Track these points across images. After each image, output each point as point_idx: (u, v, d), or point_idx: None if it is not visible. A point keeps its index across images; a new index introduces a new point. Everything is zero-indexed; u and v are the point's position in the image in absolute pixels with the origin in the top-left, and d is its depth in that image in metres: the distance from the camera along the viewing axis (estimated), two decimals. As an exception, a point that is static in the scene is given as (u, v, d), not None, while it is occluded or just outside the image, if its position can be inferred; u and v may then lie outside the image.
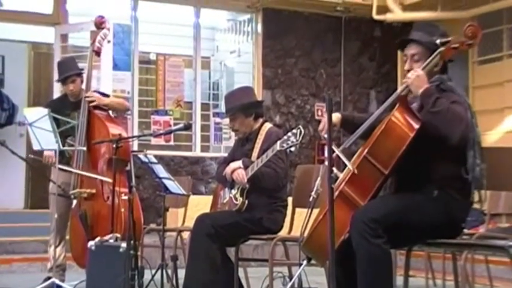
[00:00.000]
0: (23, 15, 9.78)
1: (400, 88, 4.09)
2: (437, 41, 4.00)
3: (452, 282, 4.84)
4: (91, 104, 6.09)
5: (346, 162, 3.85)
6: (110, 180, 5.64)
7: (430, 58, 3.98)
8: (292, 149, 4.73)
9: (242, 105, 5.36)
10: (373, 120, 4.10)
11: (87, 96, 6.10)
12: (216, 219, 5.17)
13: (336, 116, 4.27)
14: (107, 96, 6.47)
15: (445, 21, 9.44)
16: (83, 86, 6.24)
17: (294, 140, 4.68)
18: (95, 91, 6.42)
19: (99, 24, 6.36)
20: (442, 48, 3.98)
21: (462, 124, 3.76)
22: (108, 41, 6.82)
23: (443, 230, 3.92)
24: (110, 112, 6.30)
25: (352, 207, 3.84)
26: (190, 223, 5.59)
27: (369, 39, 11.45)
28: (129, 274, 4.94)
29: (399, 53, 9.44)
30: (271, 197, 5.25)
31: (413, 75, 3.91)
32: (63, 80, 6.26)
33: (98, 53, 6.36)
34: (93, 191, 5.96)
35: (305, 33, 11.06)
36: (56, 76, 6.72)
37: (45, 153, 6.11)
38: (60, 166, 5.88)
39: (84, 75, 6.28)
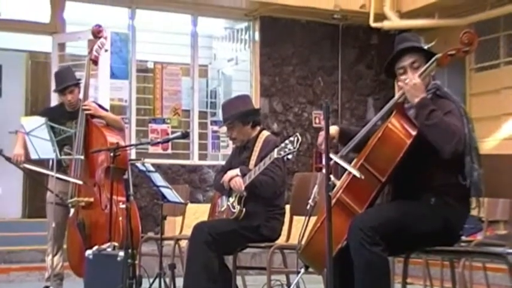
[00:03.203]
0: (20, 24, 9.78)
1: (397, 95, 4.10)
2: (425, 47, 4.02)
3: (451, 290, 4.84)
4: (86, 113, 6.08)
5: (349, 168, 3.84)
6: (81, 182, 5.87)
7: (427, 65, 3.98)
8: (290, 156, 4.73)
9: (240, 114, 5.36)
10: (370, 127, 4.10)
11: (85, 105, 6.09)
12: (214, 228, 5.17)
13: (334, 129, 4.27)
14: (106, 110, 6.44)
15: (442, 29, 9.49)
16: (81, 96, 6.23)
17: (291, 148, 4.68)
18: (93, 102, 6.41)
19: (97, 33, 6.35)
20: (438, 55, 3.99)
21: (455, 138, 3.76)
22: (106, 50, 6.81)
23: (441, 237, 3.92)
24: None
25: (349, 215, 3.84)
26: (188, 231, 5.58)
27: (366, 46, 11.46)
28: (126, 283, 4.93)
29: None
30: (268, 205, 5.25)
31: (411, 83, 3.90)
32: (61, 91, 6.25)
33: (95, 62, 6.35)
34: (91, 199, 5.95)
35: (302, 41, 11.07)
36: (53, 85, 6.71)
37: (14, 151, 6.08)
38: (25, 165, 5.90)
39: (82, 84, 6.28)
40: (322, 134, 3.97)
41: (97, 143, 5.98)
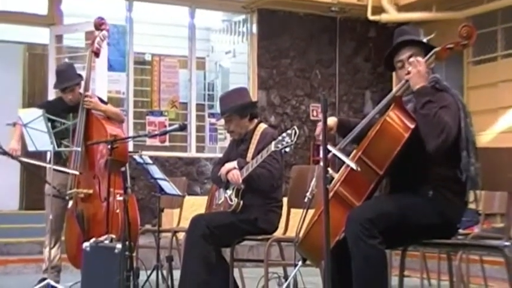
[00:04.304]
0: (17, 15, 9.76)
1: (395, 88, 4.11)
2: (425, 40, 4.03)
3: (447, 282, 4.86)
4: (86, 107, 6.06)
5: (347, 160, 3.84)
6: (77, 172, 5.86)
7: (426, 58, 3.99)
8: (287, 149, 4.73)
9: (237, 107, 5.36)
10: (369, 120, 4.11)
11: (86, 96, 6.07)
12: (211, 220, 5.18)
13: (333, 120, 4.28)
14: (105, 103, 6.42)
15: (439, 22, 9.48)
16: (81, 90, 6.20)
17: (289, 141, 4.68)
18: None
19: (99, 25, 6.32)
20: (437, 49, 3.99)
21: (442, 135, 3.77)
22: (108, 44, 6.78)
23: (438, 230, 3.93)
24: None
25: (347, 208, 3.85)
26: (185, 224, 5.59)
27: (364, 39, 11.46)
28: (124, 275, 4.94)
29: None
30: (266, 198, 5.26)
31: (415, 69, 3.91)
32: (62, 89, 6.23)
33: (97, 54, 6.31)
34: (90, 191, 5.95)
35: (300, 34, 11.06)
36: (50, 77, 6.71)
37: (10, 145, 6.06)
38: (21, 158, 5.90)
39: (83, 75, 6.25)
40: (320, 124, 3.98)
41: (98, 135, 5.97)
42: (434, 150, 3.80)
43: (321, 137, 3.73)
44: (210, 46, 11.73)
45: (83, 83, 6.20)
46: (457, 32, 3.96)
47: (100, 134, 5.95)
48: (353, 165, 3.79)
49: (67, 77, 6.21)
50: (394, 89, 4.11)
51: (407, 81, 3.98)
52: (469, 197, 4.01)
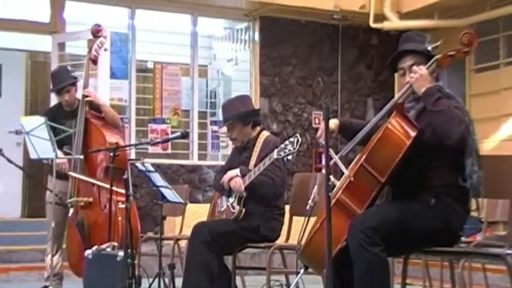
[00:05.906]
0: (20, 23, 9.78)
1: (397, 95, 4.11)
2: (429, 48, 4.03)
3: (450, 290, 4.84)
4: (86, 99, 6.04)
5: (343, 168, 3.85)
6: (105, 184, 5.72)
7: (427, 65, 3.99)
8: (290, 157, 4.73)
9: (240, 114, 5.36)
10: (370, 127, 4.11)
11: (84, 93, 6.07)
12: (214, 228, 5.18)
13: (334, 123, 4.28)
14: None
15: (442, 30, 9.48)
16: (79, 96, 6.21)
17: (291, 148, 4.68)
18: None
19: (96, 32, 6.34)
20: (438, 56, 3.99)
21: (462, 125, 3.76)
22: (105, 49, 6.78)
23: (440, 238, 3.93)
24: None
25: (349, 216, 3.84)
26: (187, 231, 5.59)
27: (366, 47, 11.46)
28: (126, 283, 4.93)
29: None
30: (268, 205, 5.25)
31: (417, 74, 3.92)
32: (58, 91, 6.25)
33: (94, 61, 6.34)
34: (90, 199, 5.95)
35: (302, 42, 11.07)
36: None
37: (58, 160, 6.06)
38: (70, 173, 5.89)
39: (81, 84, 6.26)
40: (321, 127, 3.98)
41: (96, 143, 5.97)
42: (458, 139, 3.76)
43: (321, 140, 3.72)
44: (212, 54, 11.74)
45: (81, 88, 6.19)
46: (459, 39, 3.97)
47: (98, 142, 5.95)
48: (347, 172, 3.80)
49: (61, 78, 6.25)
50: (397, 95, 4.11)
51: (410, 86, 3.98)
52: (471, 205, 4.00)
